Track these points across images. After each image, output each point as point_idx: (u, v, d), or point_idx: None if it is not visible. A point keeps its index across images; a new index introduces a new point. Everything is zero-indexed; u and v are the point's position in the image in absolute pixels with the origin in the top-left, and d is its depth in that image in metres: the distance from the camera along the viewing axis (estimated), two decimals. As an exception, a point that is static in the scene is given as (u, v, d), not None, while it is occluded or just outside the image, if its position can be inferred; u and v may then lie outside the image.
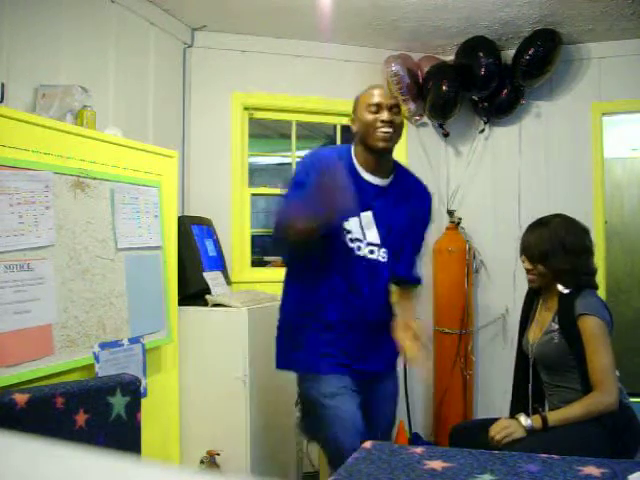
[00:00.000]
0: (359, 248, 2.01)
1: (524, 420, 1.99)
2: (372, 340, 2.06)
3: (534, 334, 2.26)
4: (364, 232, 2.02)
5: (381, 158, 2.03)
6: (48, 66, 2.41)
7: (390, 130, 1.97)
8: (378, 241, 2.04)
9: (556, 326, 2.13)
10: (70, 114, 2.25)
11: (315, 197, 1.75)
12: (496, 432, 1.99)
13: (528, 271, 2.23)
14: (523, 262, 2.24)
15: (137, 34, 3.04)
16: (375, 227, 2.03)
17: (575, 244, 2.14)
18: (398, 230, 2.08)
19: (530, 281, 2.25)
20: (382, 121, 1.96)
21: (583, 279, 2.14)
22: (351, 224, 2.00)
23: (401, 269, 2.11)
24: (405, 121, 3.89)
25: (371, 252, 2.03)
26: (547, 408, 2.21)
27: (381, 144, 1.97)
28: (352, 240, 2.01)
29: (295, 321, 2.09)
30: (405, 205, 2.10)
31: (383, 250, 2.04)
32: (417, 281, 2.20)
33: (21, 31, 2.28)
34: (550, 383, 2.18)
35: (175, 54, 3.41)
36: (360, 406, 1.99)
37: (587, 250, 2.17)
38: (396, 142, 2.03)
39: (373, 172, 2.04)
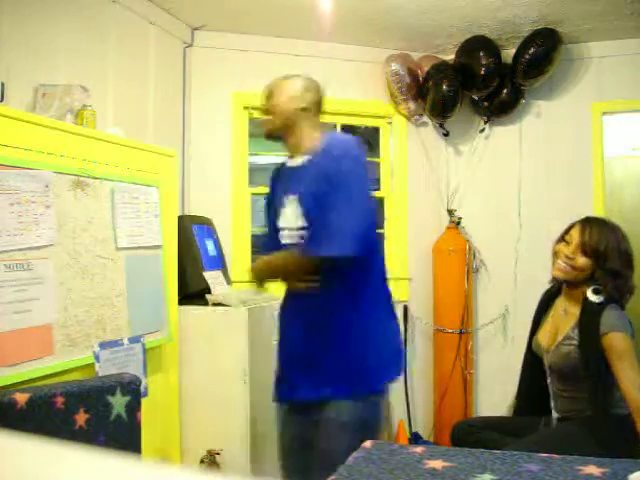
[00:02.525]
0: None
1: None
2: None
3: (548, 339, 2.19)
4: None
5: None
6: (48, 66, 2.41)
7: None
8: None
9: (576, 337, 2.06)
10: (70, 114, 2.25)
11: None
12: None
13: (566, 258, 2.09)
14: (563, 245, 2.12)
15: (137, 33, 3.03)
16: None
17: (629, 254, 2.08)
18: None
19: (559, 269, 2.11)
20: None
21: (615, 293, 2.04)
22: None
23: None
24: (402, 119, 3.87)
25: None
26: (553, 412, 2.19)
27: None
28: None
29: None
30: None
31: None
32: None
33: (21, 30, 2.28)
34: (560, 390, 2.16)
35: (175, 53, 3.41)
36: None
37: (632, 266, 2.09)
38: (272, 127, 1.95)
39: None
